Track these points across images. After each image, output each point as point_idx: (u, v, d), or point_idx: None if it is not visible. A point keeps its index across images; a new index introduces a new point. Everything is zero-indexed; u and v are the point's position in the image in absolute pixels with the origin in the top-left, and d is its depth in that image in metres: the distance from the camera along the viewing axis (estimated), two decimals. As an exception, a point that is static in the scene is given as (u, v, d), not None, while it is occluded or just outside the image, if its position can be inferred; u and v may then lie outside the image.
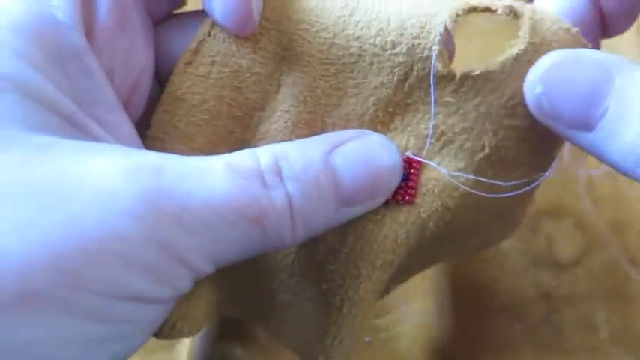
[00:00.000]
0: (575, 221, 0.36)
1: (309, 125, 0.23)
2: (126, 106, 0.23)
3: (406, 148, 0.22)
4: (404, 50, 0.21)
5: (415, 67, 0.21)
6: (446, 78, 0.21)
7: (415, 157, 0.22)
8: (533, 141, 0.21)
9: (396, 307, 0.34)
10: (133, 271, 0.17)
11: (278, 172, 0.19)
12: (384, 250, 0.22)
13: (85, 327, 0.17)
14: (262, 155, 0.20)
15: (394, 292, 0.32)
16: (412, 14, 0.21)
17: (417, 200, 0.22)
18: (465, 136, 0.21)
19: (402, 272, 0.26)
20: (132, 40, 0.22)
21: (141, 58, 0.23)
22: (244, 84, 0.23)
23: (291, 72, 0.23)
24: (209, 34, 0.23)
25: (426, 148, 0.22)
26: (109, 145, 0.20)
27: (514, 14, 0.21)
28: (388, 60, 0.22)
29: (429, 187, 0.22)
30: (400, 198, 0.22)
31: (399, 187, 0.22)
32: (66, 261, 0.16)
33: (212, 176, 0.19)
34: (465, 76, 0.21)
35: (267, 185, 0.19)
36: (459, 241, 0.24)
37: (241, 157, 0.19)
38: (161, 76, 0.24)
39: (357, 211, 0.21)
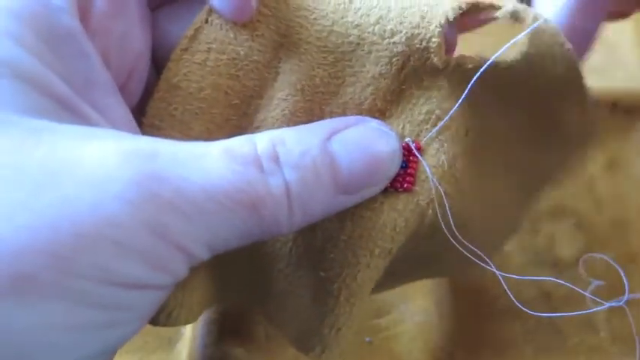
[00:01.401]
0: (575, 221, 0.36)
1: (307, 113, 0.23)
2: (122, 91, 0.22)
3: (402, 135, 0.22)
4: (402, 39, 0.21)
5: (412, 58, 0.21)
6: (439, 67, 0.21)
7: (414, 144, 0.22)
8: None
9: (396, 307, 0.34)
10: (126, 256, 0.17)
11: (275, 158, 0.19)
12: (382, 239, 0.22)
13: (79, 313, 0.17)
14: (260, 141, 0.19)
15: (394, 292, 0.32)
16: (413, 3, 0.21)
17: (416, 188, 0.22)
18: (460, 120, 0.21)
19: (399, 275, 0.26)
20: (128, 25, 0.22)
21: (137, 43, 0.23)
22: (242, 72, 0.22)
23: (289, 60, 0.22)
24: (206, 20, 0.22)
25: (424, 138, 0.22)
26: (104, 130, 0.19)
27: (516, 18, 0.21)
28: (386, 49, 0.21)
29: (428, 174, 0.22)
30: (399, 185, 0.22)
31: (398, 175, 0.22)
32: (58, 246, 0.16)
33: (208, 161, 0.18)
34: (458, 66, 0.21)
35: (264, 171, 0.19)
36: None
37: (238, 143, 0.19)
38: (159, 63, 0.24)
39: (355, 198, 0.21)
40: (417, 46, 0.21)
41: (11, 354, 0.16)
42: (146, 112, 0.23)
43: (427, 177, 0.22)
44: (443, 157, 0.22)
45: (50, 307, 0.16)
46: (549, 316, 0.31)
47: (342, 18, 0.22)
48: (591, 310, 0.21)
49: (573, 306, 0.34)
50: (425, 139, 0.22)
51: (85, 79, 0.20)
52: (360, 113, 0.22)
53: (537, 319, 0.33)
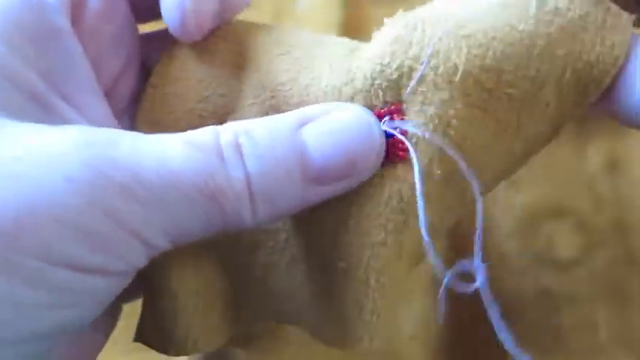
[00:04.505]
0: (575, 221, 0.36)
1: (276, 110, 0.22)
2: (110, 95, 0.23)
3: (384, 102, 0.21)
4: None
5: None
6: None
7: (392, 107, 0.21)
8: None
9: (396, 307, 0.34)
10: (71, 237, 0.17)
11: (238, 148, 0.19)
12: (392, 212, 0.21)
13: (23, 290, 0.17)
14: (223, 132, 0.19)
15: (394, 292, 0.32)
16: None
17: (411, 154, 0.20)
18: (434, 61, 0.20)
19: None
20: (118, 28, 0.23)
21: (126, 48, 0.23)
22: (209, 90, 0.23)
23: (250, 64, 0.23)
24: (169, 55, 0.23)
25: (404, 95, 0.21)
26: (72, 126, 0.19)
27: None
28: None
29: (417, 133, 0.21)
30: (396, 158, 0.21)
31: (388, 145, 0.21)
32: (2, 221, 0.16)
33: (168, 149, 0.18)
34: None
35: (224, 160, 0.19)
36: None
37: (200, 132, 0.19)
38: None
39: (333, 189, 0.20)
40: None
41: None
42: None
43: (420, 137, 0.20)
44: (429, 110, 0.20)
45: None
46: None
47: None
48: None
49: (575, 305, 0.34)
50: (404, 95, 0.21)
51: (65, 75, 0.20)
52: (325, 95, 0.22)
53: (537, 319, 0.33)
